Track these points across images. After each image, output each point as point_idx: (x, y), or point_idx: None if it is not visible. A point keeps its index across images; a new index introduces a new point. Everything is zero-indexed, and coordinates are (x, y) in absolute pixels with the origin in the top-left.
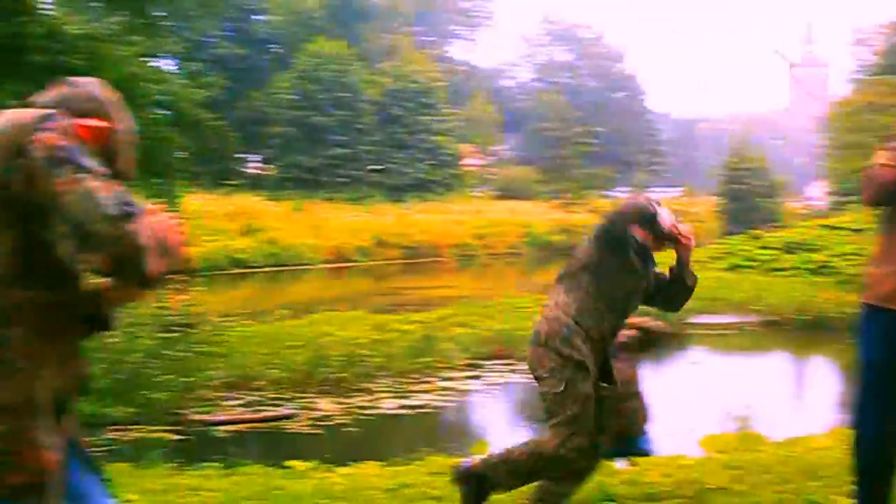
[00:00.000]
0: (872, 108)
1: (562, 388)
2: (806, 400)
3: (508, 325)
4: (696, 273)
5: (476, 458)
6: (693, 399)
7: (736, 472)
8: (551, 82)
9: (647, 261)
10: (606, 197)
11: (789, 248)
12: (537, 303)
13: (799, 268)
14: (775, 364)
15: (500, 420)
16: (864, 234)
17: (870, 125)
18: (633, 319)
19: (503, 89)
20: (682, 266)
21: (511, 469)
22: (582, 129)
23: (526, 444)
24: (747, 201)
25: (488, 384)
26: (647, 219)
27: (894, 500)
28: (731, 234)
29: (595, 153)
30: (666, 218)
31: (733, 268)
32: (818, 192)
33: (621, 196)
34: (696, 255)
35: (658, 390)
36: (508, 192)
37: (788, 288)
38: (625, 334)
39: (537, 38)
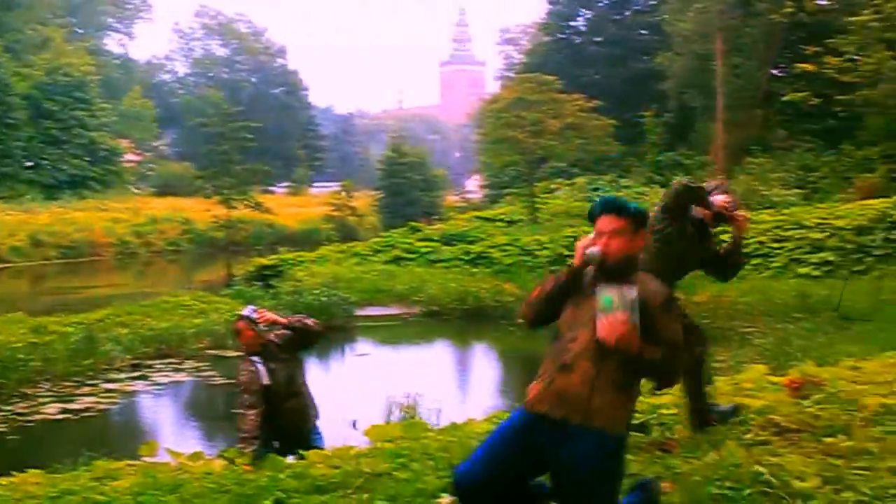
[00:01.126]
0: (520, 105)
1: None
2: (467, 386)
3: (171, 324)
4: (742, 258)
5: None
6: (360, 390)
7: (401, 459)
8: (209, 77)
9: (704, 235)
10: (267, 192)
11: (447, 240)
12: (200, 300)
13: (457, 259)
14: (438, 353)
15: (166, 419)
16: (517, 226)
17: (518, 121)
18: (288, 318)
19: (160, 83)
20: (735, 245)
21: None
22: (240, 125)
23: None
24: (406, 195)
25: (153, 384)
26: (705, 199)
27: None
28: (391, 227)
29: (255, 148)
30: (720, 200)
31: (395, 260)
32: (474, 186)
33: (279, 190)
34: (360, 248)
35: (325, 384)
36: (168, 189)
37: (448, 278)
38: (279, 334)
39: (193, 32)
